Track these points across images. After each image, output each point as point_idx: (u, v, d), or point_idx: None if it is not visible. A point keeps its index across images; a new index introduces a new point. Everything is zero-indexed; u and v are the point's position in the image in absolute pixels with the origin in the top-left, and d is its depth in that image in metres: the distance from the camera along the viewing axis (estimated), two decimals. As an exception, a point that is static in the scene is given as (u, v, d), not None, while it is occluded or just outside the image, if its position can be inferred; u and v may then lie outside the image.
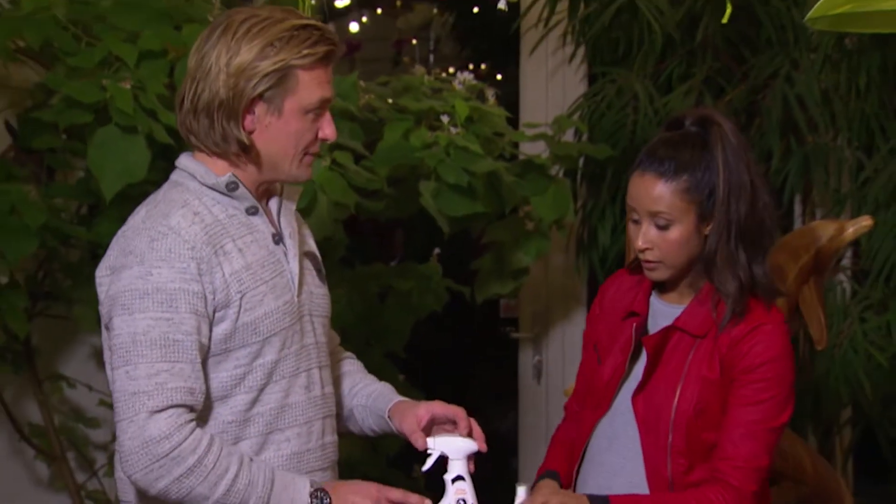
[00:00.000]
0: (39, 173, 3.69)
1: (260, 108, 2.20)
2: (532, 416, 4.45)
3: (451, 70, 3.95)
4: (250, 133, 2.21)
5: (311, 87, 2.21)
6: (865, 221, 3.20)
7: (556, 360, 4.38)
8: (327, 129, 2.27)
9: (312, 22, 2.22)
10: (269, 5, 2.28)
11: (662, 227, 2.35)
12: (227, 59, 2.16)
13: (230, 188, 2.24)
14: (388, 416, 2.44)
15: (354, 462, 3.59)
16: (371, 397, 2.50)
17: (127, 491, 2.29)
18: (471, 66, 5.96)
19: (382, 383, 2.55)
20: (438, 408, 2.40)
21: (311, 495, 2.20)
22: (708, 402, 2.35)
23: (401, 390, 2.56)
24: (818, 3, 2.52)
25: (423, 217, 3.57)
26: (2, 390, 3.81)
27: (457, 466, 2.31)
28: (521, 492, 2.34)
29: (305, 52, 2.18)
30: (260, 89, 2.17)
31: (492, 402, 5.20)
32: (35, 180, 3.61)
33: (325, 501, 2.21)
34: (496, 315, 4.65)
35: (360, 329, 3.85)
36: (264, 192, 2.32)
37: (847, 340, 3.77)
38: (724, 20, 2.88)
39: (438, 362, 5.25)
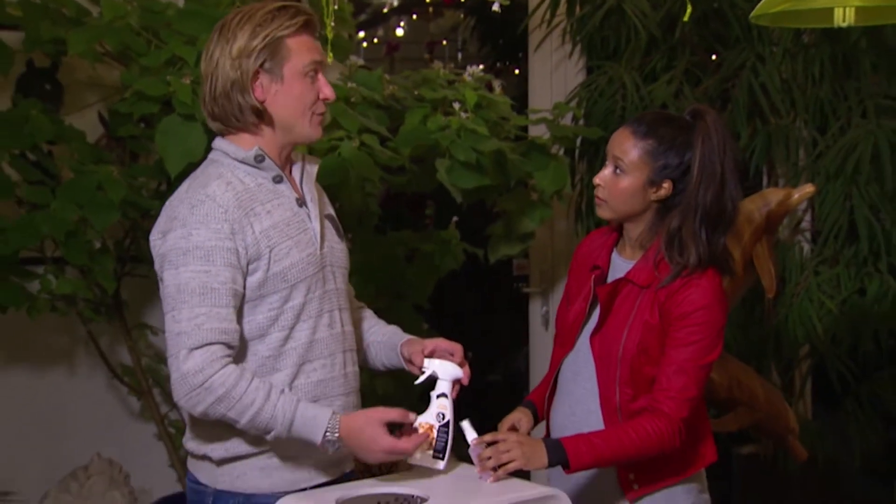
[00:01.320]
0: (124, 156, 3.78)
1: (265, 79, 2.28)
2: (541, 359, 4.47)
3: (482, 66, 3.94)
4: (262, 102, 2.29)
5: (301, 51, 2.29)
6: (809, 188, 3.21)
7: (560, 310, 4.40)
8: (326, 90, 2.34)
9: (288, 3, 2.31)
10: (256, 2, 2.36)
11: (617, 173, 2.41)
12: (228, 48, 2.27)
13: (258, 160, 2.31)
14: (400, 350, 2.50)
15: (390, 396, 3.64)
16: (386, 335, 2.57)
17: (187, 415, 2.39)
18: (498, 64, 5.95)
19: (394, 326, 2.61)
20: (442, 342, 2.46)
21: (324, 440, 2.22)
22: (649, 342, 2.39)
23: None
24: (760, 2, 2.56)
25: (446, 191, 3.60)
26: (98, 338, 3.92)
27: (443, 386, 2.35)
28: (465, 425, 2.33)
29: (287, 23, 2.27)
30: (259, 61, 2.26)
31: (506, 346, 5.25)
32: (120, 162, 3.70)
33: (336, 447, 2.24)
34: (510, 273, 4.69)
35: (390, 285, 3.89)
36: (286, 160, 2.39)
37: (804, 290, 3.79)
38: (685, 19, 2.91)
39: (461, 314, 5.28)
